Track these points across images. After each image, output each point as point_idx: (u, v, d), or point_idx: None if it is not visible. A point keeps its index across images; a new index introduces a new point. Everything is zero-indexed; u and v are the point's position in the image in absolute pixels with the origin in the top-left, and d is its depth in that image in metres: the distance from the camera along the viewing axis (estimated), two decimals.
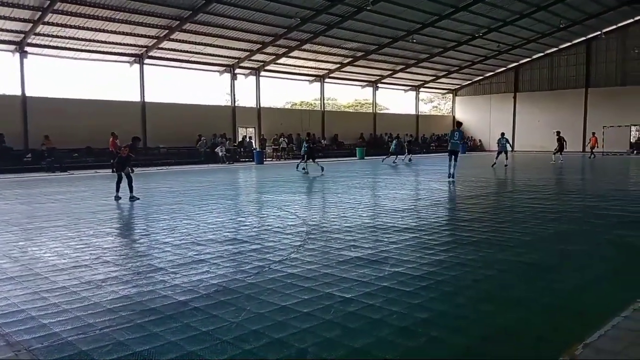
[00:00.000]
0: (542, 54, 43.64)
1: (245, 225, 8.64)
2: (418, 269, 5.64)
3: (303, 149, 22.14)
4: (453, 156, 16.38)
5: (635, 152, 38.23)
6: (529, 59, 44.42)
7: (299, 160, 23.55)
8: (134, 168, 12.95)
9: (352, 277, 5.33)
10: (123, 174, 12.62)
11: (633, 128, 39.85)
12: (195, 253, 6.55)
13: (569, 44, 42.08)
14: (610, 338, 3.68)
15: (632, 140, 39.83)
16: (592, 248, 6.70)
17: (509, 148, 24.74)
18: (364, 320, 4.15)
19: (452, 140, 16.63)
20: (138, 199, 12.28)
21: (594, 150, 33.80)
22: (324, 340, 3.78)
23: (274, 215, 9.70)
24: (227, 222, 9.00)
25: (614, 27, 39.56)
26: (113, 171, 12.71)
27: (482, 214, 9.70)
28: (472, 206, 10.96)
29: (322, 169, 21.09)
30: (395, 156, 29.81)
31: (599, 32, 38.93)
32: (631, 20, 38.88)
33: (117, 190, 12.54)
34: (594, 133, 35.47)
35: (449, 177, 16.41)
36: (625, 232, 7.59)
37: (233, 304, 4.59)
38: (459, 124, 18.17)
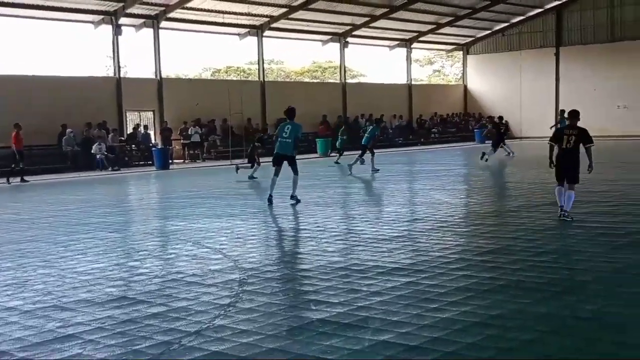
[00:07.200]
0: None
1: (141, 274, 8.52)
2: (415, 335, 5.67)
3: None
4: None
5: None
6: None
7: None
8: None
9: (313, 355, 5.32)
10: None
11: None
12: (59, 324, 6.41)
13: None
14: None
15: None
16: None
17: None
18: None
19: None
20: None
21: None
22: None
23: (187, 255, 9.60)
24: (110, 270, 8.85)
25: None
26: None
27: (512, 240, 9.84)
28: (495, 228, 11.12)
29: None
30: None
31: None
32: None
33: None
34: None
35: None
36: None
37: None
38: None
